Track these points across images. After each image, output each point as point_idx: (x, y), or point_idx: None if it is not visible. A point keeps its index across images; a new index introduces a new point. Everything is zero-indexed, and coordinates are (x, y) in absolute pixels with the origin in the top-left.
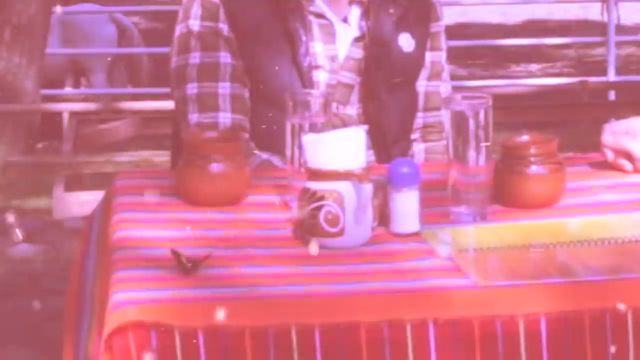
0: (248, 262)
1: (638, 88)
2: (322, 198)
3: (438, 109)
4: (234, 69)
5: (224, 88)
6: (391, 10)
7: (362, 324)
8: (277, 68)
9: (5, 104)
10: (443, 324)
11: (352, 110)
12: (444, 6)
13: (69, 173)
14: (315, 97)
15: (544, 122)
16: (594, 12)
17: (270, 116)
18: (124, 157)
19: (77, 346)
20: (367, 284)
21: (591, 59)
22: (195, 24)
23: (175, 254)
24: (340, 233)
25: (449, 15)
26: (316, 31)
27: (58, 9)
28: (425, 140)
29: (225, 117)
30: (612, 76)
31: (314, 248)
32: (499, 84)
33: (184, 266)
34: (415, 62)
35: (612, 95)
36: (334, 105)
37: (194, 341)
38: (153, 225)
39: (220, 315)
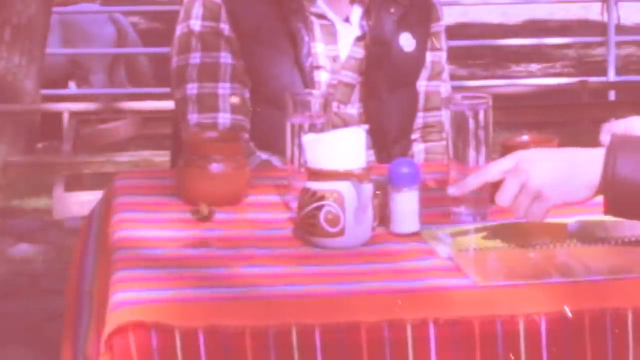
0: (248, 262)
1: (638, 88)
2: (322, 198)
3: (438, 109)
4: (234, 70)
5: (224, 88)
6: (392, 10)
7: (362, 324)
8: (278, 68)
9: (5, 104)
10: (443, 324)
11: (353, 109)
12: (444, 6)
13: (69, 173)
14: (316, 97)
15: (544, 122)
16: (594, 12)
17: (271, 116)
18: (124, 157)
19: (75, 346)
20: (367, 284)
21: (591, 59)
22: (196, 24)
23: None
24: (340, 233)
25: (449, 15)
26: (317, 32)
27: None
28: (425, 140)
29: (224, 118)
30: (612, 76)
31: None
32: (499, 84)
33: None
34: (415, 61)
35: (612, 95)
36: (335, 104)
37: (194, 341)
38: (153, 225)
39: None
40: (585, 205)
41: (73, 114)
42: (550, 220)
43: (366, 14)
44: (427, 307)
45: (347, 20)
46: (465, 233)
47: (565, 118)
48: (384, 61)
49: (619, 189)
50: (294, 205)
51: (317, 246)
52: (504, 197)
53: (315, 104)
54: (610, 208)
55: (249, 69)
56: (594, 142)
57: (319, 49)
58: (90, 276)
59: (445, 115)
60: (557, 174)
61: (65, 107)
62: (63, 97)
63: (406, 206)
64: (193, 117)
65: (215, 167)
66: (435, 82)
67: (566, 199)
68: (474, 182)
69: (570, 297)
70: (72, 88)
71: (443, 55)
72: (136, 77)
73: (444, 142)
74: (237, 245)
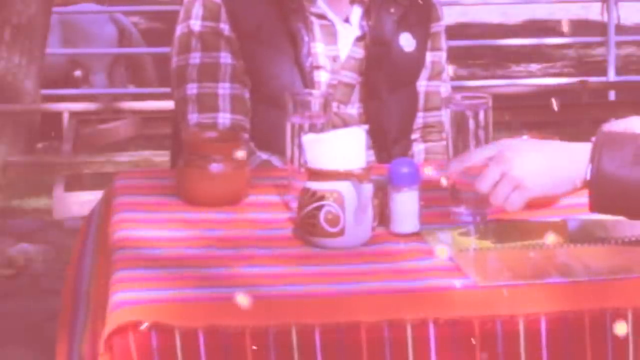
0: (248, 262)
1: (638, 88)
2: (322, 198)
3: (438, 109)
4: (234, 70)
5: (224, 88)
6: (392, 10)
7: (362, 324)
8: (278, 68)
9: (5, 104)
10: (443, 324)
11: (353, 109)
12: (444, 6)
13: (69, 173)
14: (316, 97)
15: (544, 122)
16: (594, 12)
17: (271, 116)
18: (124, 157)
19: (71, 345)
20: (367, 284)
21: (591, 59)
22: (196, 24)
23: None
24: (340, 233)
25: (449, 15)
26: (317, 32)
27: None
28: (425, 140)
29: (224, 118)
30: (612, 76)
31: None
32: (499, 84)
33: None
34: (415, 61)
35: (612, 95)
36: (335, 104)
37: (194, 341)
38: (153, 225)
39: (242, 300)
40: (585, 205)
41: (73, 114)
42: (550, 220)
43: (366, 14)
44: (427, 307)
45: (347, 20)
46: (465, 233)
47: (565, 118)
48: (384, 61)
49: (604, 186)
50: (294, 205)
51: (317, 246)
52: (484, 184)
53: (315, 104)
54: (595, 204)
55: (249, 69)
56: None
57: (319, 49)
58: (88, 276)
59: (445, 115)
60: (540, 165)
61: (65, 107)
62: (63, 97)
63: (406, 206)
64: (193, 117)
65: (215, 167)
66: (435, 82)
67: (547, 191)
68: (455, 166)
69: (570, 297)
70: (77, 74)
71: (443, 55)
72: (140, 77)
73: (444, 142)
74: (237, 245)
